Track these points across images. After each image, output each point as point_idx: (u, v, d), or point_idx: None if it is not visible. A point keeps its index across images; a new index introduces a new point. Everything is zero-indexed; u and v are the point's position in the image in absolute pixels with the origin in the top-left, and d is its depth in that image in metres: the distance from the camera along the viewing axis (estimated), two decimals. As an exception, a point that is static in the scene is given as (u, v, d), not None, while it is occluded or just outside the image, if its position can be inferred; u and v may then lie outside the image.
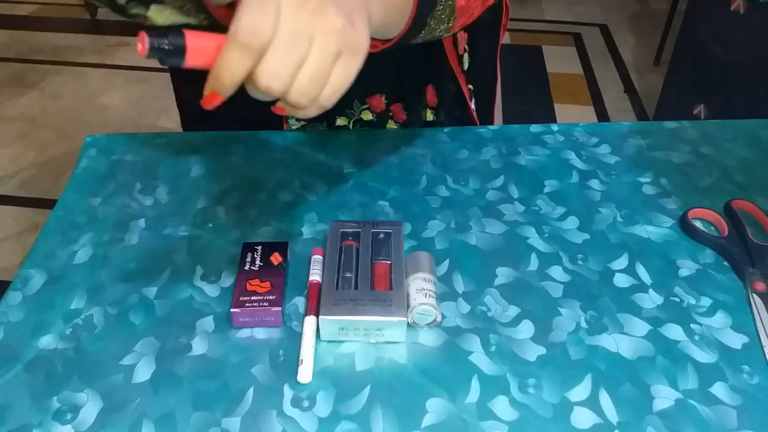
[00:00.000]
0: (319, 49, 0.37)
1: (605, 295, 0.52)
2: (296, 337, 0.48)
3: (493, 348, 0.47)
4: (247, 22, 0.35)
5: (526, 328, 0.49)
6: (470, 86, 0.77)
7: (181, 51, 0.35)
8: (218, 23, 0.45)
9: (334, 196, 0.62)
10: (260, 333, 0.48)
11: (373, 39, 0.44)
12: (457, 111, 0.75)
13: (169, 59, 0.35)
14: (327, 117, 0.71)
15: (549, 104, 2.34)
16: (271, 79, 0.36)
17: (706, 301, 0.51)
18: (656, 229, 0.58)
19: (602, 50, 2.72)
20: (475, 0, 0.56)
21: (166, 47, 0.34)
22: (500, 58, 0.78)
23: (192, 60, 0.35)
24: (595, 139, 0.70)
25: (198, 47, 0.35)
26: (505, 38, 2.75)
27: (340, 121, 0.71)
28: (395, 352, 0.47)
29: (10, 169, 1.99)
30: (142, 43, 0.34)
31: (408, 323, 0.48)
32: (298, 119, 0.72)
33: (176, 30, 0.34)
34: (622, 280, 0.53)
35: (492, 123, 0.84)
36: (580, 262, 0.55)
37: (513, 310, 0.50)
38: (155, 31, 0.34)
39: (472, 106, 0.77)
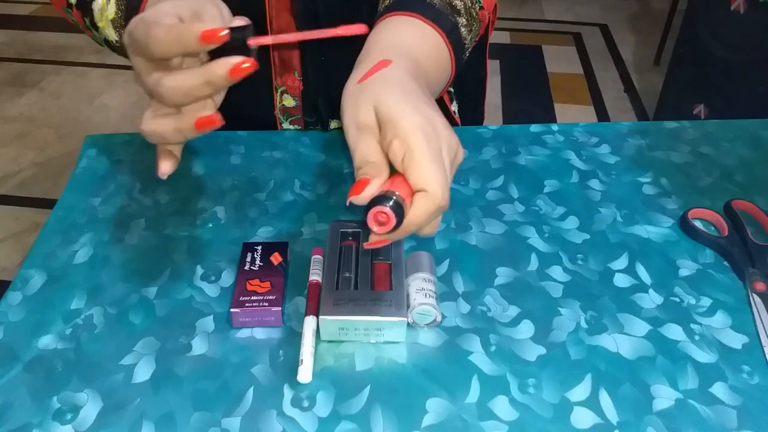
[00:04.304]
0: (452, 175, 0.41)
1: (605, 295, 0.52)
2: (296, 337, 0.48)
3: (493, 348, 0.47)
4: (441, 184, 0.37)
5: (526, 328, 0.49)
6: (450, 89, 0.76)
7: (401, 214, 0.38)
8: None
9: (334, 196, 0.62)
10: (260, 333, 0.48)
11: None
12: None
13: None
14: (321, 120, 0.71)
15: (549, 104, 2.34)
16: (436, 229, 0.40)
17: (706, 301, 0.51)
18: (656, 229, 0.58)
19: (602, 50, 2.72)
20: None
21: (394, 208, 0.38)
22: (489, 56, 0.78)
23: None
24: (595, 139, 0.70)
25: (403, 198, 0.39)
26: (505, 38, 2.76)
27: (334, 124, 0.71)
28: (395, 352, 0.47)
29: (10, 169, 1.99)
30: (389, 218, 0.38)
31: (408, 323, 0.48)
32: (291, 123, 0.72)
33: (390, 198, 0.38)
34: (622, 280, 0.53)
35: (482, 121, 0.84)
36: (580, 262, 0.55)
37: (513, 310, 0.50)
38: (380, 201, 0.38)
39: (453, 108, 0.77)
